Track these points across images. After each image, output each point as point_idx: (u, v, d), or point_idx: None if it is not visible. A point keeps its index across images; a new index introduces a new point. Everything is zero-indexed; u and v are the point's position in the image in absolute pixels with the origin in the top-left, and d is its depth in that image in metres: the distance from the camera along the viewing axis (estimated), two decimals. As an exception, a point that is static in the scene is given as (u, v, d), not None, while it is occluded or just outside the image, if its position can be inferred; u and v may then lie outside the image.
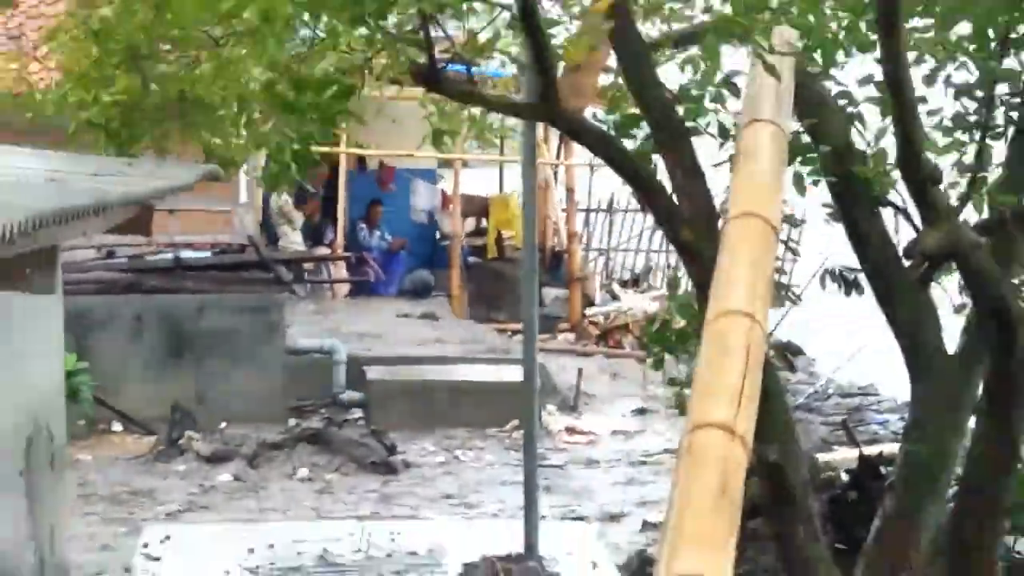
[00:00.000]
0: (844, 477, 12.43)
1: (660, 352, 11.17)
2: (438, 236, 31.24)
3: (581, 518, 15.37)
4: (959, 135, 10.26)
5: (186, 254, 22.75)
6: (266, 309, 21.42)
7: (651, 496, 16.52)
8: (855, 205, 9.86)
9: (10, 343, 9.42)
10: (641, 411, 19.94)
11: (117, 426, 19.23)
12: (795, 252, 11.21)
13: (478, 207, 31.96)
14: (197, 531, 11.90)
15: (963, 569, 9.85)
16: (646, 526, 14.92)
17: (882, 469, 11.88)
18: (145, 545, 11.12)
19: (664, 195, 9.38)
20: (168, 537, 11.23)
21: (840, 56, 9.90)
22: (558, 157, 30.66)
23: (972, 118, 10.30)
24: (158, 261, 22.57)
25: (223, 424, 19.44)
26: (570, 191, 31.84)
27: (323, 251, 29.91)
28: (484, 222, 31.65)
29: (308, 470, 18.00)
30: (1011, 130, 10.21)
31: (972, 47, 10.24)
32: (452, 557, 10.19)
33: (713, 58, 8.96)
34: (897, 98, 8.77)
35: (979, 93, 10.28)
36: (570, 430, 21.23)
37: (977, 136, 10.16)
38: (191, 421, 19.13)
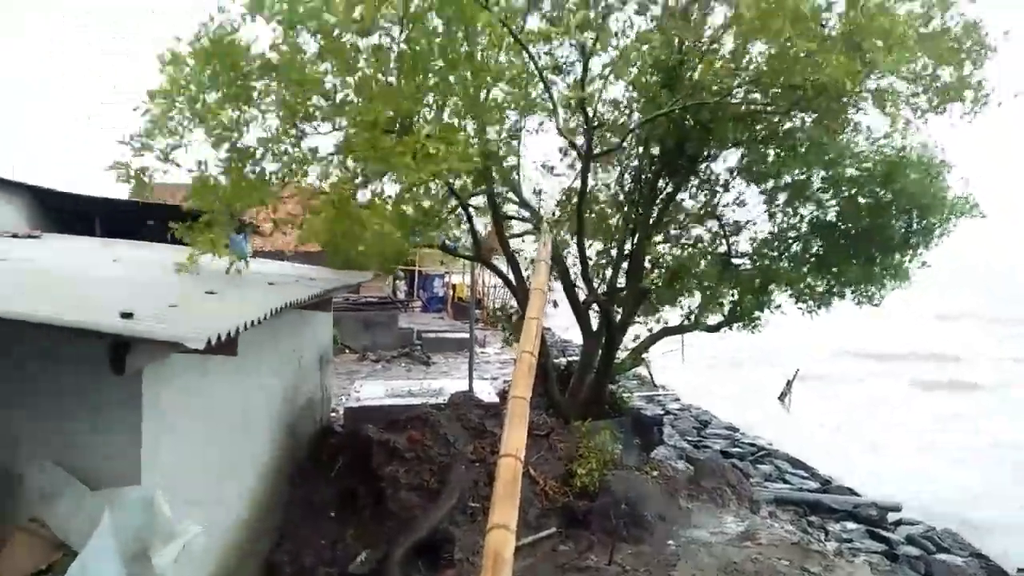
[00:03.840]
0: (564, 366, 11.93)
1: (505, 329, 11.88)
2: (443, 294, 32.70)
3: (484, 378, 15.29)
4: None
5: (370, 300, 23.71)
6: (394, 315, 22.04)
7: (508, 375, 16.84)
8: (569, 289, 10.15)
9: (316, 328, 9.80)
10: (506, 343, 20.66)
11: (347, 352, 19.62)
12: (556, 304, 10.69)
13: (452, 286, 33.52)
14: (371, 384, 11.76)
15: (599, 393, 10.29)
16: (506, 382, 15.08)
17: (573, 365, 11.39)
18: (358, 387, 11.22)
19: (512, 284, 10.39)
20: (362, 385, 11.47)
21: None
22: (482, 271, 32.19)
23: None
24: (360, 301, 23.28)
25: (379, 351, 19.92)
26: (484, 280, 33.60)
27: (411, 300, 32.34)
28: (455, 290, 33.18)
29: (405, 366, 18.85)
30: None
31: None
32: (446, 392, 10.08)
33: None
34: (581, 255, 9.90)
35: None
36: (482, 352, 22.51)
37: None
38: (368, 350, 19.82)
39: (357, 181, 7.63)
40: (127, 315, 3.05)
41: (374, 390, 11.12)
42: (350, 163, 7.31)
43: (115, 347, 2.92)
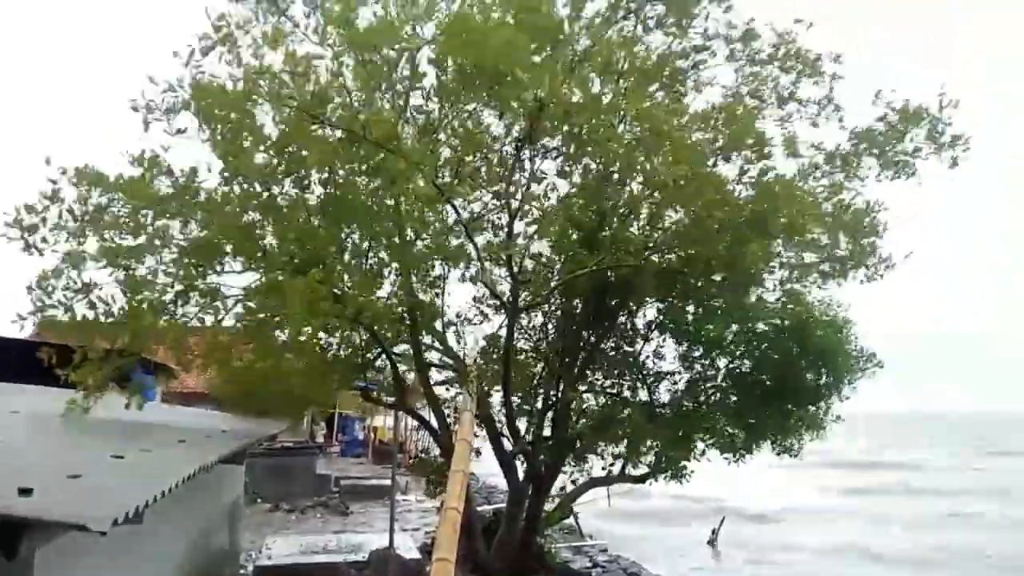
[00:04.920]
0: (489, 516, 12.04)
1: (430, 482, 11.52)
2: (363, 437, 31.62)
3: (406, 530, 14.74)
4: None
5: (285, 444, 22.62)
6: (311, 461, 20.90)
7: (430, 526, 16.38)
8: (495, 439, 9.99)
9: (233, 478, 9.77)
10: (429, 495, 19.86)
11: (260, 501, 18.70)
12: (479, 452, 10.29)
13: (374, 429, 32.42)
14: (284, 537, 11.40)
15: (527, 548, 10.08)
16: (428, 534, 14.32)
17: (500, 514, 11.39)
18: (269, 543, 10.61)
19: (436, 432, 10.24)
20: (274, 540, 10.87)
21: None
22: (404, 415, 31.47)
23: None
24: (274, 446, 22.16)
25: (294, 499, 18.52)
26: (406, 424, 32.72)
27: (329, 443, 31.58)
28: (376, 433, 32.05)
29: (320, 515, 17.76)
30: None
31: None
32: (366, 547, 9.81)
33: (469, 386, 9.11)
34: (507, 405, 9.92)
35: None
36: (404, 500, 21.59)
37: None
38: (281, 499, 18.53)
39: (271, 320, 7.81)
40: (26, 491, 2.88)
41: (287, 546, 10.57)
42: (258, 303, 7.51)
43: (8, 528, 2.73)
